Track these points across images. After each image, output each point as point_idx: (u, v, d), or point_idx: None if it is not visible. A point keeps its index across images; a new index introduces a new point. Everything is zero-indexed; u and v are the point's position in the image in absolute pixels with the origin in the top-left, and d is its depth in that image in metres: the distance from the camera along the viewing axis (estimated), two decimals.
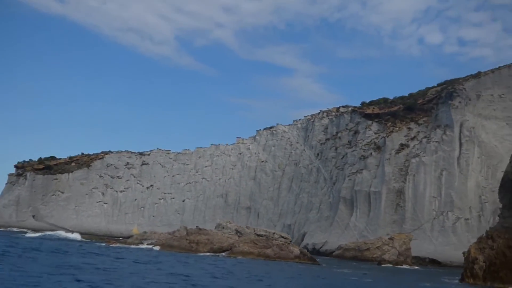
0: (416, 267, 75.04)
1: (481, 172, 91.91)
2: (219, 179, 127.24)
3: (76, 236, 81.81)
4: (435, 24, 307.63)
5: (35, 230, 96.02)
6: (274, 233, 69.79)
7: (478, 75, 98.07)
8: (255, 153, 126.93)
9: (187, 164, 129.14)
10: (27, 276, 23.12)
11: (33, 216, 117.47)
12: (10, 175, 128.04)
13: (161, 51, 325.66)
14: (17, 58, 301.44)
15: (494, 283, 44.79)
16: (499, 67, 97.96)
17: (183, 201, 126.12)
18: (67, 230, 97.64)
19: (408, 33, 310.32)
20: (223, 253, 61.84)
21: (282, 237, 68.45)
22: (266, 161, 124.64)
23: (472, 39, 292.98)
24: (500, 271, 45.40)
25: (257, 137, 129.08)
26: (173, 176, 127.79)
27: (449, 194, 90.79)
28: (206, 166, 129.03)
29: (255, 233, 68.08)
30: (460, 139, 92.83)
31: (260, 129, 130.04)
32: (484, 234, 52.51)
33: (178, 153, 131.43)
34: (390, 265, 72.60)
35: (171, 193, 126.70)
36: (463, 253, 53.87)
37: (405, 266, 72.71)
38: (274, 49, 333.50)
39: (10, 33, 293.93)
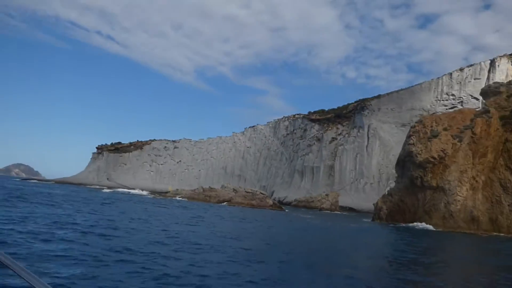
0: (343, 212, 74.50)
1: (380, 155, 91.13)
2: (221, 157, 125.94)
3: (139, 191, 78.04)
4: (352, 65, 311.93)
5: (108, 187, 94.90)
6: (256, 191, 67.92)
7: (378, 97, 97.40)
8: (243, 142, 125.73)
9: (202, 148, 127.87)
10: (104, 216, 22.78)
11: (107, 179, 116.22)
12: (93, 153, 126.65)
13: (186, 79, 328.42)
14: (98, 82, 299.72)
15: (392, 222, 45.06)
16: (391, 92, 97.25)
17: (199, 171, 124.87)
18: (129, 188, 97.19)
19: (336, 71, 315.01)
20: (225, 203, 60.92)
21: (261, 193, 66.82)
22: (250, 147, 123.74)
23: (373, 75, 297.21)
24: (396, 215, 46.34)
25: (245, 132, 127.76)
26: (193, 155, 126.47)
27: (361, 168, 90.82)
28: (213, 149, 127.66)
29: (245, 191, 66.16)
30: (368, 135, 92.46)
31: (246, 127, 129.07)
32: (386, 193, 52.89)
33: (196, 141, 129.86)
34: (328, 211, 72.07)
35: (192, 166, 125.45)
36: (373, 204, 53.65)
37: (336, 212, 72.40)
38: (255, 79, 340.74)
39: (95, 67, 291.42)
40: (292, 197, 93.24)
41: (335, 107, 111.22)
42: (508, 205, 42.95)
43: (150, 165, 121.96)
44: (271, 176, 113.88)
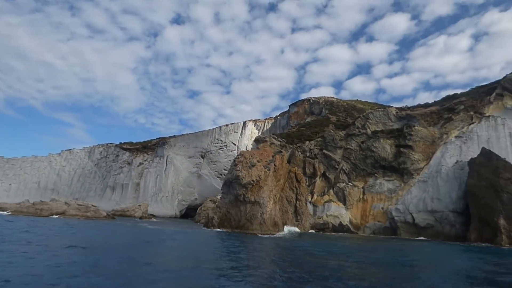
0: (154, 220, 67.51)
1: (173, 177, 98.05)
2: (35, 174, 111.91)
3: None
4: (143, 115, 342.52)
5: None
6: (88, 203, 59.33)
7: (175, 137, 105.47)
8: (59, 161, 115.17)
9: (15, 165, 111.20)
10: None
11: None
12: None
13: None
14: None
15: (223, 228, 44.84)
16: (183, 134, 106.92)
17: (10, 185, 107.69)
18: None
19: (131, 117, 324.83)
20: (59, 216, 51.38)
21: (93, 205, 59.05)
22: (65, 166, 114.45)
23: (157, 123, 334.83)
24: (225, 222, 46.34)
25: (61, 153, 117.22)
26: (4, 171, 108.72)
27: (160, 186, 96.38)
28: (27, 167, 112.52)
29: (77, 204, 57.28)
30: (166, 162, 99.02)
31: (63, 150, 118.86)
32: (216, 205, 50.93)
33: (10, 158, 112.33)
34: (145, 219, 64.90)
35: (2, 180, 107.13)
36: (204, 215, 54.46)
37: (152, 219, 66.90)
38: (64, 114, 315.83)
39: None
40: (103, 208, 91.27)
41: (141, 141, 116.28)
42: (291, 213, 51.62)
43: None
44: (84, 190, 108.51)
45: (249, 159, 48.70)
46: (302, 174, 56.26)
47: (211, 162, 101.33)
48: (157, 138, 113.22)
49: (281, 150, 56.81)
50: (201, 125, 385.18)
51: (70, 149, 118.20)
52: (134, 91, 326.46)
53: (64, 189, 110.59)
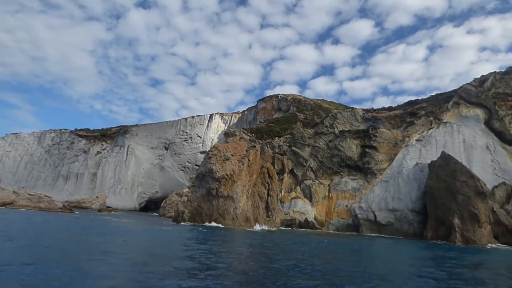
0: (114, 213, 61.33)
1: (134, 168, 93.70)
2: None
3: None
4: (99, 101, 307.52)
5: None
6: (40, 194, 53.08)
7: (137, 126, 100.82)
8: (2, 146, 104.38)
9: None
10: None
11: None
12: None
13: None
14: None
15: (194, 222, 43.57)
16: (146, 124, 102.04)
17: None
18: None
19: (86, 102, 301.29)
20: (6, 206, 45.74)
21: (46, 196, 53.00)
22: (10, 151, 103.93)
23: (115, 111, 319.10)
24: (196, 217, 44.91)
25: (5, 137, 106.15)
26: None
27: (119, 177, 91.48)
28: None
29: (28, 194, 51.13)
30: (127, 152, 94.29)
31: (8, 134, 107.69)
32: (186, 199, 49.38)
33: None
34: (106, 212, 59.78)
35: None
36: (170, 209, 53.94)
37: (113, 212, 61.40)
38: (8, 94, 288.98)
39: None
40: (54, 198, 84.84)
41: (100, 128, 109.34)
42: (262, 208, 51.00)
43: None
44: (31, 179, 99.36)
45: (223, 152, 47.79)
46: (273, 170, 55.76)
47: (175, 154, 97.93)
48: (117, 126, 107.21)
49: (255, 145, 55.70)
50: (163, 116, 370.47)
51: (16, 133, 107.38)
52: (91, 75, 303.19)
53: (8, 176, 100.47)
